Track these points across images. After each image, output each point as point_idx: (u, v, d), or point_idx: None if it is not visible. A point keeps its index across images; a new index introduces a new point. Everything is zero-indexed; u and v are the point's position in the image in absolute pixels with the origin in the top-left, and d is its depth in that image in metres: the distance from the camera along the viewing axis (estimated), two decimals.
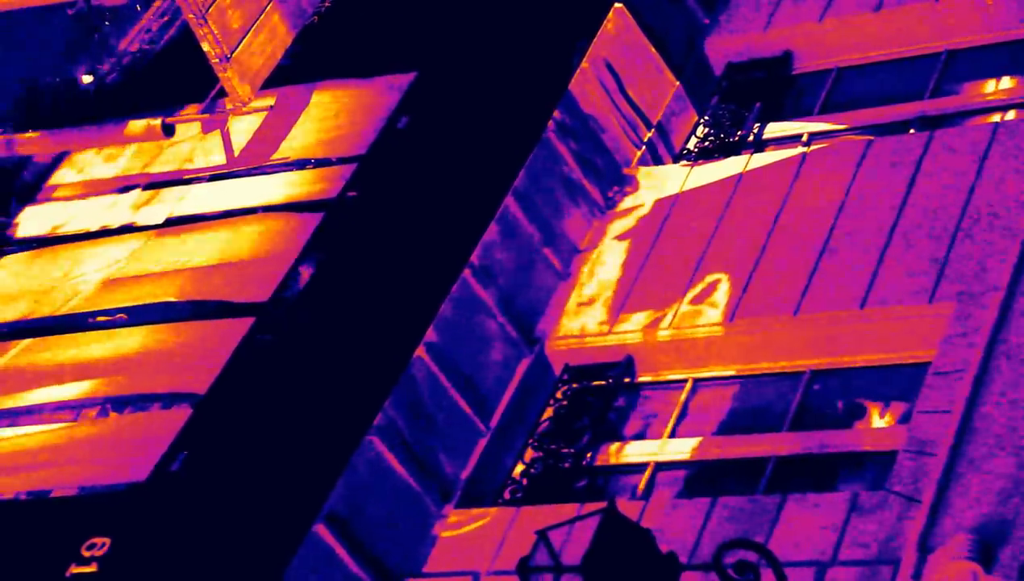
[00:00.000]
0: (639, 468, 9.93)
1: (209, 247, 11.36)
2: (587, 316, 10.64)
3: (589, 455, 10.09)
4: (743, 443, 9.75)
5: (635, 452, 10.03)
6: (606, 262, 10.96)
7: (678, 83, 12.22)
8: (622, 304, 10.58)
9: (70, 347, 10.98)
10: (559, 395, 10.49)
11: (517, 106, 11.33)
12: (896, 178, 10.38)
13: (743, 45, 12.36)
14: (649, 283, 10.63)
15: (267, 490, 9.23)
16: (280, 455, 9.41)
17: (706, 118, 12.06)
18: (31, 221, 12.63)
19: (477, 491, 9.97)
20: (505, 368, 10.44)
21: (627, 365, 10.43)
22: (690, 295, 10.38)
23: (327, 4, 12.92)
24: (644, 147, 11.84)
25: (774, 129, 11.85)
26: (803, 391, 9.82)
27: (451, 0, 12.19)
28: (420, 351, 9.98)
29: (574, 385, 10.51)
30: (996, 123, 10.61)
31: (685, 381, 10.28)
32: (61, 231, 12.36)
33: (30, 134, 12.73)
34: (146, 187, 12.38)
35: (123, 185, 12.52)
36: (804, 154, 11.05)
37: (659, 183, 11.40)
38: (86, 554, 9.02)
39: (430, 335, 10.05)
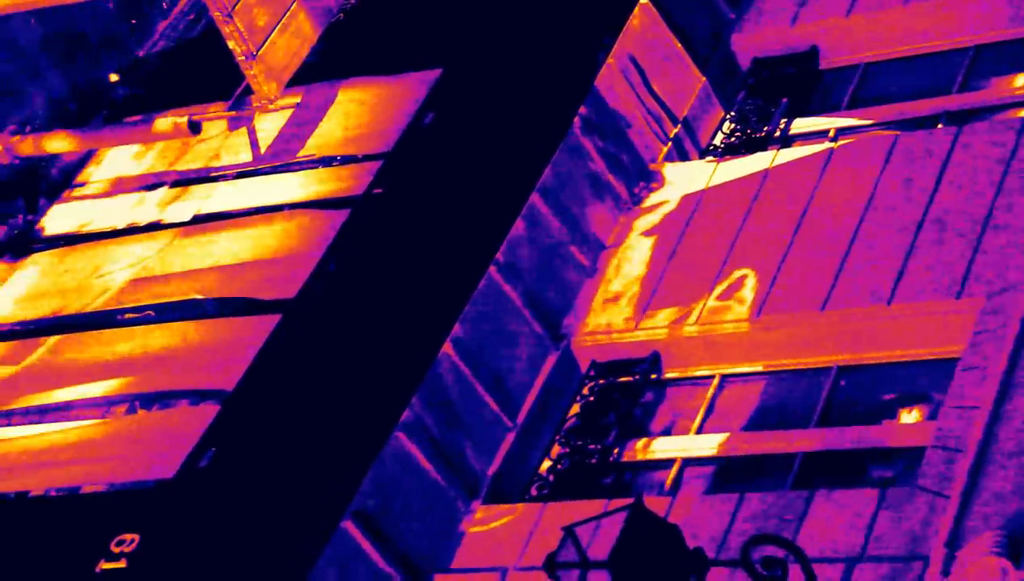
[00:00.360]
0: (666, 464, 9.93)
1: (236, 244, 11.40)
2: (613, 312, 10.63)
3: (616, 451, 10.09)
4: (770, 439, 9.73)
5: (662, 448, 10.02)
6: (632, 258, 10.96)
7: (704, 78, 12.20)
8: (649, 300, 10.58)
9: (98, 344, 11.02)
10: (586, 391, 10.49)
11: (542, 102, 11.34)
12: (924, 174, 10.35)
13: (769, 40, 12.34)
14: (676, 279, 10.62)
15: (295, 486, 9.25)
16: (307, 451, 9.43)
17: (732, 114, 12.05)
18: (59, 219, 12.69)
19: (504, 487, 9.98)
20: (531, 364, 10.45)
21: (654, 361, 10.43)
22: (717, 291, 10.36)
23: (353, 1, 12.95)
24: (670, 143, 11.83)
25: (801, 125, 11.82)
26: (830, 387, 9.81)
27: None
28: (447, 347, 9.98)
29: (601, 381, 10.51)
30: None
31: (712, 377, 10.27)
32: (89, 229, 12.42)
33: (57, 133, 12.79)
34: (173, 185, 12.43)
35: (150, 183, 12.57)
36: (831, 150, 11.02)
37: (685, 179, 11.38)
38: (115, 550, 9.06)
39: (456, 332, 10.06)
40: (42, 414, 10.58)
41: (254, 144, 12.24)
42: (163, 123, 12.35)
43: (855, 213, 10.33)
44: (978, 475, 8.23)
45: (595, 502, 9.23)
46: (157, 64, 13.56)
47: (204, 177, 12.31)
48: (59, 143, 12.72)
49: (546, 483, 10.04)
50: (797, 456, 9.51)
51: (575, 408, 10.41)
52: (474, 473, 9.90)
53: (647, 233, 11.13)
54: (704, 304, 10.33)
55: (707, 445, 9.88)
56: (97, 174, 13.00)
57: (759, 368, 10.17)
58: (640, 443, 10.11)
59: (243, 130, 12.35)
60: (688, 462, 9.89)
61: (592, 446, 10.12)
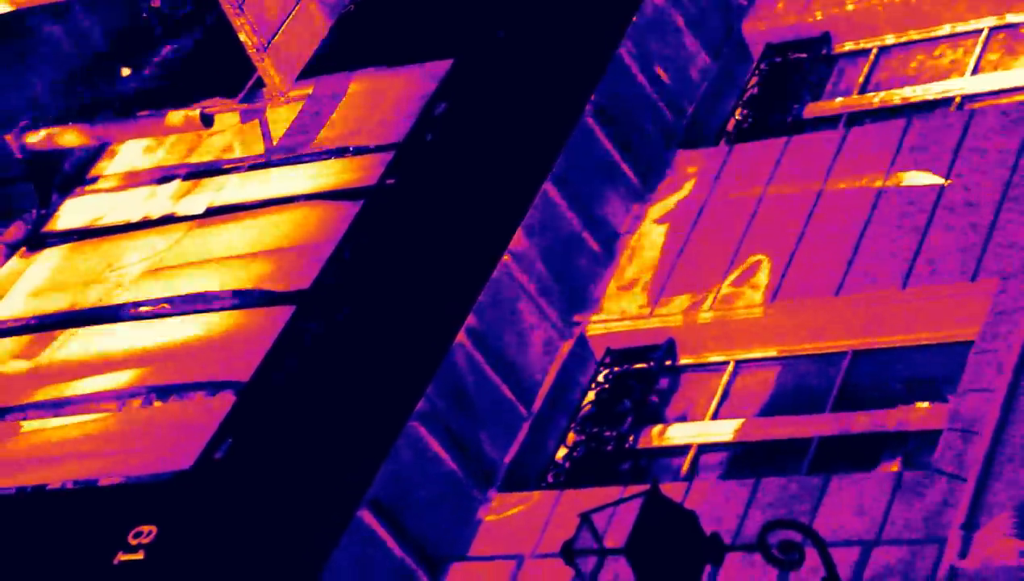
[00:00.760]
0: (682, 450, 9.93)
1: (250, 236, 11.41)
2: (628, 299, 10.63)
3: (631, 438, 10.09)
4: (786, 424, 9.73)
5: (678, 434, 10.02)
6: (646, 245, 10.95)
7: (716, 65, 12.19)
8: (663, 287, 10.57)
9: (113, 337, 11.04)
10: (601, 378, 10.49)
11: (554, 90, 11.33)
12: (937, 157, 10.33)
13: (781, 26, 12.32)
14: (689, 265, 10.62)
15: (311, 477, 9.27)
16: (324, 442, 9.44)
17: (745, 100, 12.03)
18: (72, 213, 12.71)
19: (520, 475, 9.98)
20: (546, 352, 10.45)
21: (668, 348, 10.43)
22: (731, 277, 10.36)
23: None
24: (683, 130, 11.81)
25: (813, 110, 11.80)
26: (845, 371, 9.80)
27: None
28: (461, 337, 9.99)
29: (616, 368, 10.51)
30: None
31: (727, 363, 10.27)
32: (102, 223, 12.44)
33: (69, 127, 12.81)
34: (186, 177, 12.44)
35: (163, 176, 12.58)
36: (844, 134, 11.01)
37: (698, 165, 11.38)
38: (133, 542, 9.08)
39: (470, 321, 10.06)
40: (58, 408, 10.61)
41: (266, 136, 12.25)
42: (175, 116, 12.36)
43: (868, 197, 10.32)
44: (994, 457, 8.22)
45: (611, 489, 9.24)
46: (168, 58, 13.57)
47: (217, 169, 12.33)
48: (71, 137, 12.74)
49: (562, 470, 10.04)
50: (813, 441, 9.51)
51: (590, 395, 10.42)
52: (490, 461, 9.91)
53: (660, 220, 11.12)
54: (718, 290, 10.32)
55: (722, 431, 9.87)
56: (110, 168, 13.02)
57: (774, 353, 10.17)
58: (656, 429, 10.12)
59: (255, 122, 12.35)
60: (704, 448, 9.89)
61: (608, 433, 10.12)
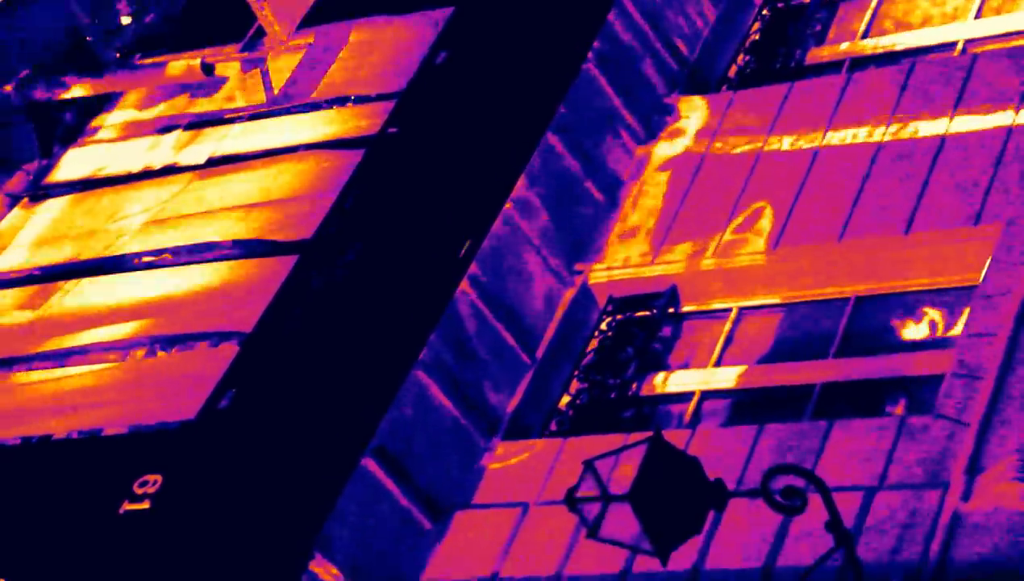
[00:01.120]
0: (685, 397, 9.94)
1: (252, 186, 11.39)
2: (630, 247, 10.62)
3: (635, 385, 10.10)
4: (789, 370, 9.73)
5: (681, 381, 10.03)
6: (648, 193, 10.93)
7: (718, 10, 12.12)
8: (665, 234, 10.56)
9: (116, 288, 11.05)
10: (604, 326, 10.49)
11: (555, 38, 11.27)
12: (940, 101, 10.29)
13: None
14: (692, 213, 10.60)
15: (315, 425, 9.29)
16: (327, 391, 9.46)
17: (747, 46, 11.98)
18: (74, 164, 12.69)
19: (523, 423, 10.00)
20: (549, 301, 10.45)
21: (671, 295, 10.42)
22: (734, 224, 10.34)
23: None
24: (685, 76, 11.77)
25: (816, 55, 11.75)
26: (848, 317, 9.80)
27: None
28: (464, 286, 9.98)
29: (618, 316, 10.51)
30: None
31: (730, 310, 10.27)
32: (104, 173, 12.42)
33: (70, 77, 12.77)
34: (187, 127, 12.41)
35: (164, 125, 12.55)
36: (847, 80, 10.96)
37: (700, 112, 11.34)
38: (138, 491, 9.12)
39: (473, 269, 10.05)
40: (62, 358, 10.62)
41: (267, 86, 12.21)
42: (176, 66, 12.33)
43: (871, 143, 10.29)
44: (997, 402, 8.23)
45: (615, 436, 9.25)
46: (169, 6, 13.51)
47: (218, 119, 12.29)
48: (71, 88, 12.71)
49: (565, 418, 10.06)
50: (815, 387, 9.52)
51: (593, 343, 10.42)
52: (493, 410, 9.93)
53: (663, 167, 11.10)
54: (721, 237, 10.31)
55: (725, 378, 9.88)
56: (111, 119, 12.99)
57: (777, 300, 10.16)
58: (659, 377, 10.13)
59: (257, 71, 12.31)
60: (707, 395, 9.90)
61: (611, 381, 10.13)
